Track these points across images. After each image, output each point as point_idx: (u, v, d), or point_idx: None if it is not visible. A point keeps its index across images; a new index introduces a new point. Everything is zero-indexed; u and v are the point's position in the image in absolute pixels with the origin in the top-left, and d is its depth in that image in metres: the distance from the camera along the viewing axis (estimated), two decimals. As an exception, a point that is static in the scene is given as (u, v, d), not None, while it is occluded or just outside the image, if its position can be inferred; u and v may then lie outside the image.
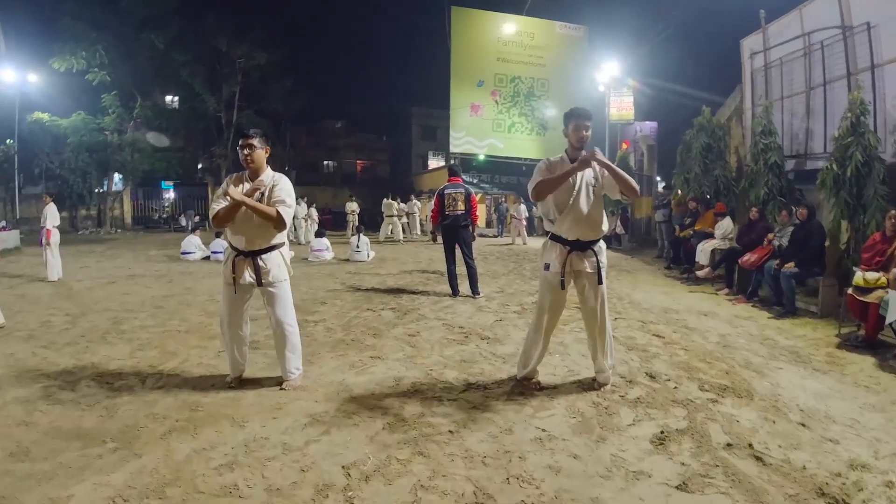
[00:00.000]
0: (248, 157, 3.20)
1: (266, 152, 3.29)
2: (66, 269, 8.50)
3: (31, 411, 2.98)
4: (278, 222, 3.14)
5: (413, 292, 7.15)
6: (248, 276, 3.23)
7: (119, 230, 22.89)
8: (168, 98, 25.40)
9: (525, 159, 22.04)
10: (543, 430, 2.77)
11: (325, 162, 38.29)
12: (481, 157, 22.08)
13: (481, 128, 21.20)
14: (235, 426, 2.81)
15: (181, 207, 26.43)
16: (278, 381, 3.43)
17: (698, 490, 2.21)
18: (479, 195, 23.62)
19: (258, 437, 2.68)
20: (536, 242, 16.56)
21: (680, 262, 8.86)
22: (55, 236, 8.07)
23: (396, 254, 12.94)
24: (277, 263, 3.30)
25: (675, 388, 3.43)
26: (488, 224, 22.57)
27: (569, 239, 3.20)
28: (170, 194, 28.11)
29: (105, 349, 4.28)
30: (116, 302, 6.36)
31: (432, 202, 7.57)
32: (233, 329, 3.34)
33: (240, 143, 3.23)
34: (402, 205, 18.45)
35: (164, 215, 27.06)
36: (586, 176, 3.19)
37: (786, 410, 3.07)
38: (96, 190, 22.48)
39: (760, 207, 7.34)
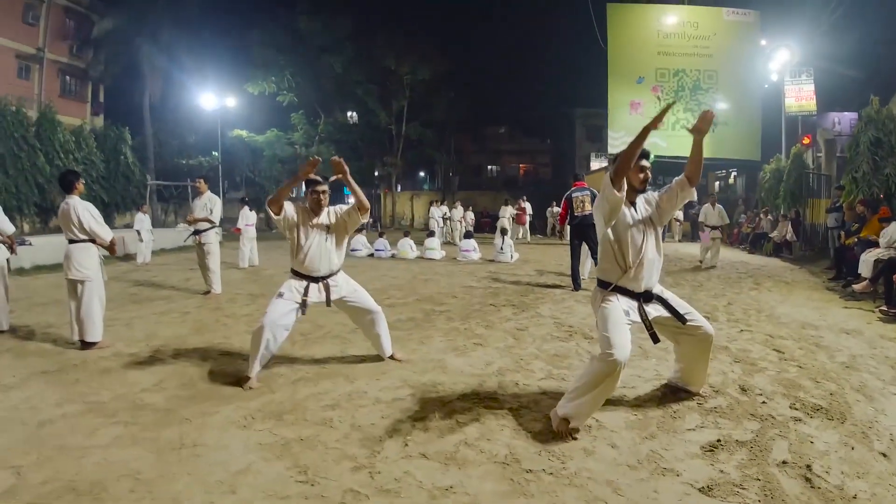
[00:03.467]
0: (324, 200, 3.80)
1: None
2: (260, 258, 10.75)
3: (205, 357, 4.22)
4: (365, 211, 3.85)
5: (541, 292, 7.50)
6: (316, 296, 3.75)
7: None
8: (349, 114, 29.03)
9: (692, 159, 20.29)
10: (598, 420, 2.99)
11: (489, 167, 39.72)
12: (656, 164, 20.96)
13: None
14: (346, 381, 3.62)
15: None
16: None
17: (721, 497, 2.23)
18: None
19: (360, 390, 3.45)
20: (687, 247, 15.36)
21: (843, 274, 7.59)
22: (246, 232, 10.26)
23: (540, 256, 13.25)
24: (345, 279, 3.95)
25: (764, 403, 3.28)
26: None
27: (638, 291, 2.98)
28: (351, 199, 32.20)
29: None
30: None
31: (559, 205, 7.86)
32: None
33: (314, 189, 3.77)
34: (446, 209, 18.44)
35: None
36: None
37: (874, 438, 2.77)
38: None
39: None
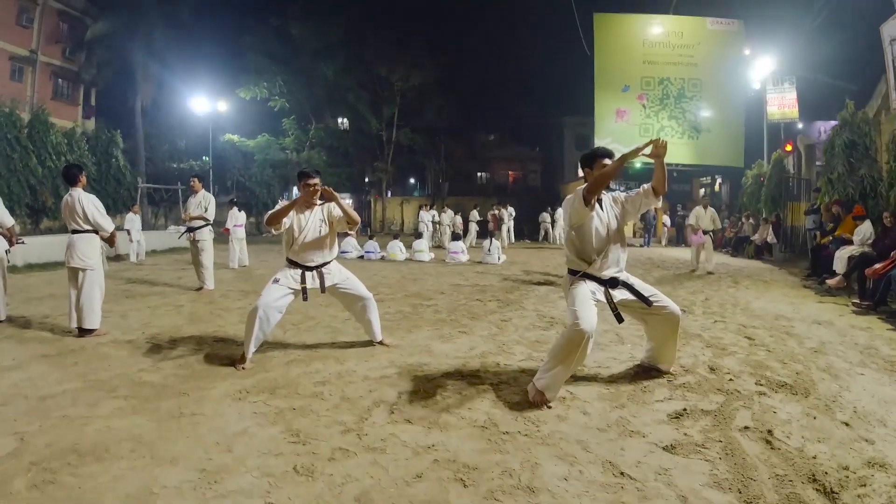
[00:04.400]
0: (316, 192, 3.97)
1: None
2: (250, 260, 10.87)
3: (200, 343, 4.39)
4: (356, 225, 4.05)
5: (526, 289, 7.72)
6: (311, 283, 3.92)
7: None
8: (339, 120, 29.25)
9: (676, 165, 20.73)
10: (571, 393, 3.19)
11: (479, 174, 40.09)
12: (637, 165, 21.39)
13: (628, 133, 20.55)
14: (337, 363, 3.80)
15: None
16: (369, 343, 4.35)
17: (683, 454, 2.43)
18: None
19: (349, 370, 3.62)
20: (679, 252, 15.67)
21: (818, 272, 7.90)
22: (235, 233, 10.40)
23: (527, 258, 13.49)
24: (338, 268, 4.13)
25: (731, 380, 3.49)
26: (634, 233, 21.72)
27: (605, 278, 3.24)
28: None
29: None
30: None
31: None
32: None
33: (307, 181, 3.95)
34: (435, 213, 18.60)
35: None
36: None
37: (836, 410, 2.98)
38: (279, 199, 27.02)
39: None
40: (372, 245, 13.19)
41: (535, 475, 2.22)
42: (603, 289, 3.23)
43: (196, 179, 7.64)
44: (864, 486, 2.18)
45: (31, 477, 2.15)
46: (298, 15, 24.08)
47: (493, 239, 12.50)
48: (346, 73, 25.17)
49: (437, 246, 16.84)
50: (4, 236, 5.27)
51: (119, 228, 13.25)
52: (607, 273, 3.26)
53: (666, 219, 20.88)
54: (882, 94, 8.86)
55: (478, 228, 18.47)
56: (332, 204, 4.09)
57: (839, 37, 13.41)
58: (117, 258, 11.71)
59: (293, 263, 3.96)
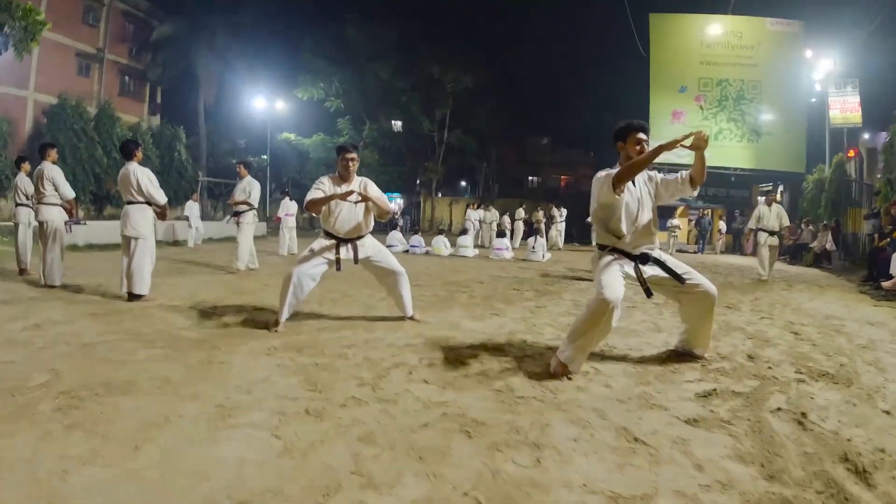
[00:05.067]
0: (353, 166, 4.05)
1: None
2: (299, 248, 11.22)
3: (239, 310, 4.60)
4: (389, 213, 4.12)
5: (566, 283, 7.58)
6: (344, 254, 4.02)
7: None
8: (393, 122, 29.77)
9: (735, 169, 19.82)
10: (597, 370, 3.10)
11: (530, 177, 39.80)
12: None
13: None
14: (365, 331, 3.88)
15: (401, 212, 30.89)
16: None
17: (706, 428, 2.31)
18: (681, 209, 22.02)
19: (377, 338, 3.69)
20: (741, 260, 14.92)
21: (876, 276, 7.29)
22: (286, 222, 10.77)
23: (573, 258, 13.24)
24: (372, 241, 4.20)
25: (769, 368, 3.29)
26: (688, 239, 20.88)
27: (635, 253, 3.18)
28: (393, 206, 32.91)
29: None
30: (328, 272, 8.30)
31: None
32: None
33: (345, 155, 4.01)
34: (483, 213, 18.14)
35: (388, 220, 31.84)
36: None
37: (879, 399, 2.74)
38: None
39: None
40: (417, 240, 13.33)
41: (544, 434, 2.17)
42: (633, 264, 3.14)
43: (242, 165, 7.87)
44: None
45: (58, 402, 2.31)
46: (355, 19, 24.82)
47: (538, 237, 12.35)
48: (399, 74, 25.63)
49: (482, 246, 16.81)
50: (65, 208, 5.69)
51: (179, 219, 14.16)
52: (638, 249, 3.17)
53: (722, 225, 19.94)
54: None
55: (524, 227, 18.26)
56: (369, 181, 4.18)
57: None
58: (175, 243, 12.41)
59: (329, 235, 4.08)
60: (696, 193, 3.32)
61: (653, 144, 3.08)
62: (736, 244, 19.43)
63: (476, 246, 14.58)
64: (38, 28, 9.52)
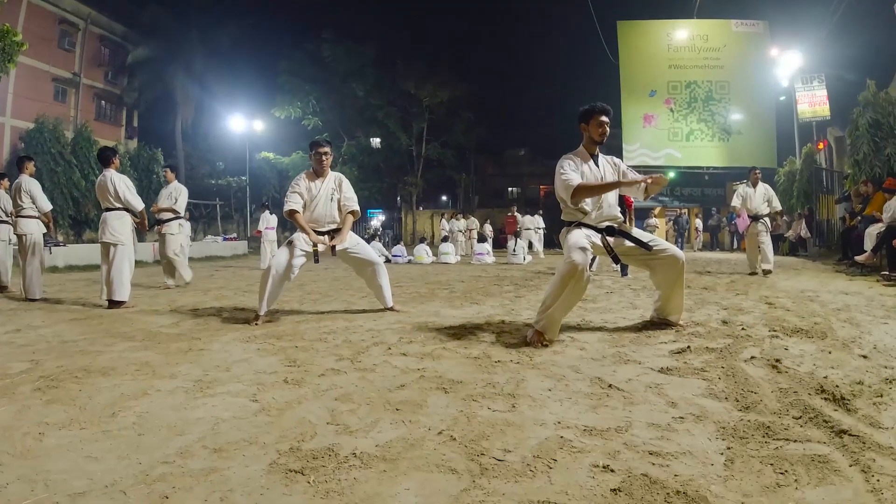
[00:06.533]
0: (326, 161, 4.16)
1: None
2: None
3: (219, 311, 4.54)
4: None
5: (546, 278, 7.66)
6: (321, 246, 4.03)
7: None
8: (372, 140, 29.91)
9: (708, 168, 20.29)
10: (573, 338, 3.16)
11: (509, 188, 40.20)
12: (672, 176, 21.07)
13: (656, 139, 20.33)
14: (345, 321, 3.88)
15: (382, 227, 30.94)
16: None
17: (678, 375, 2.36)
18: (659, 208, 22.39)
19: (357, 326, 3.69)
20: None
21: (850, 255, 7.51)
22: (266, 235, 10.73)
23: (554, 260, 13.35)
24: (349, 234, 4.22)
25: (742, 329, 3.37)
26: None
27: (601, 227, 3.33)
28: (374, 222, 33.01)
29: (288, 295, 5.85)
30: (307, 278, 8.27)
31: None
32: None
33: (317, 150, 4.13)
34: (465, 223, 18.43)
35: (369, 234, 31.85)
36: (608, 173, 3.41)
37: (854, 348, 2.81)
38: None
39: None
40: (399, 249, 13.37)
41: (519, 387, 2.21)
42: (600, 235, 3.23)
43: (168, 170, 7.14)
44: (881, 396, 2.01)
45: (38, 384, 2.29)
46: (331, 38, 25.08)
47: (517, 239, 12.46)
48: (376, 90, 25.88)
49: (464, 255, 16.88)
50: (43, 221, 5.63)
51: (157, 241, 13.98)
52: (603, 224, 3.30)
53: (699, 223, 20.34)
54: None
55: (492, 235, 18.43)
56: (343, 177, 4.27)
57: (859, 29, 12.98)
58: (157, 263, 12.22)
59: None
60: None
61: (626, 148, 3.28)
62: (714, 241, 19.80)
63: (457, 254, 14.64)
64: (16, 49, 9.46)
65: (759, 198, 7.42)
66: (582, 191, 3.15)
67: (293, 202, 4.07)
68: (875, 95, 8.60)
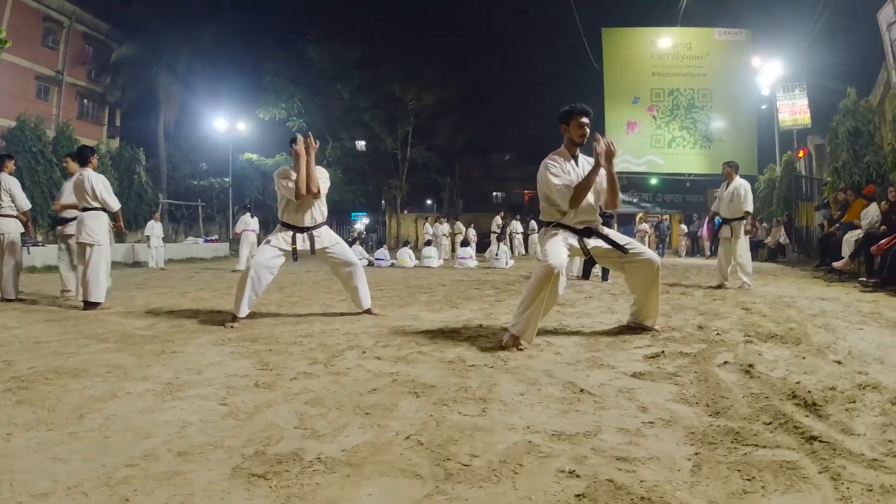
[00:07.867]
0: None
1: None
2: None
3: (196, 313, 4.46)
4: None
5: (525, 285, 7.69)
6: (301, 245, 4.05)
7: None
8: (357, 143, 29.85)
9: (690, 175, 20.59)
10: (549, 342, 3.17)
11: (494, 192, 40.38)
12: (654, 182, 21.35)
13: (638, 145, 20.59)
14: (322, 325, 3.85)
15: (366, 230, 30.84)
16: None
17: (650, 379, 2.38)
18: (641, 214, 22.67)
19: (333, 329, 3.67)
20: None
21: (828, 261, 7.70)
22: (246, 237, 10.64)
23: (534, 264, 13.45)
24: (328, 232, 4.24)
25: (718, 334, 3.42)
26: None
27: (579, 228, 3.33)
28: (358, 225, 32.89)
29: (266, 297, 5.80)
30: (287, 281, 8.21)
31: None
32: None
33: (294, 145, 4.03)
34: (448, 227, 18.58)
35: (353, 237, 31.74)
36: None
37: (829, 353, 2.84)
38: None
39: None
40: (382, 253, 13.32)
41: (492, 392, 2.21)
42: (577, 237, 3.26)
43: (69, 159, 5.68)
44: (854, 402, 2.01)
45: (8, 385, 2.24)
46: (317, 39, 24.98)
47: (500, 244, 12.50)
48: (361, 92, 25.83)
49: (447, 259, 16.91)
50: (21, 220, 5.51)
51: (140, 242, 13.76)
52: (581, 225, 3.32)
53: (682, 227, 20.62)
54: (883, 82, 8.83)
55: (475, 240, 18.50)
56: (321, 168, 4.20)
57: (841, 38, 13.32)
58: (136, 265, 12.06)
59: (286, 226, 4.09)
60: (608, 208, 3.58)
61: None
62: (695, 247, 20.08)
63: (441, 258, 14.65)
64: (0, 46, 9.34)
65: (727, 197, 6.30)
66: (577, 198, 3.17)
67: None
68: (855, 104, 8.83)
